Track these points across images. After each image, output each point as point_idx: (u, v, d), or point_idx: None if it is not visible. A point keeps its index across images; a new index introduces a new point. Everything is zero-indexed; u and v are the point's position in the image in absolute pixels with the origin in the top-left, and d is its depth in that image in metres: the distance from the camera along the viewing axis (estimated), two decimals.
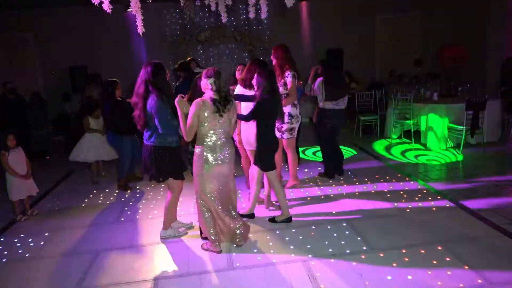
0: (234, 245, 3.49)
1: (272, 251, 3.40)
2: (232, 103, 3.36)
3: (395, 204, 4.27)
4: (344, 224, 3.84)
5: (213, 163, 3.30)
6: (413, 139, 6.87)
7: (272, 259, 3.27)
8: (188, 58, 7.05)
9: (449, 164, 5.71)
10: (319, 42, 9.91)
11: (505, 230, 3.52)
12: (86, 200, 5.06)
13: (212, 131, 3.27)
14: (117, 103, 5.11)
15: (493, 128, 6.61)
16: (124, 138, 5.19)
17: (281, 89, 4.32)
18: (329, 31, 9.96)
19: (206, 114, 3.20)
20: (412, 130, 6.85)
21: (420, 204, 4.24)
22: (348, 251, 3.32)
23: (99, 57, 9.38)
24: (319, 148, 6.68)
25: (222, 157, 3.32)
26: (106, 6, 3.75)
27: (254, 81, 3.78)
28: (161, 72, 3.46)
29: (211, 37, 9.82)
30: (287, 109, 4.43)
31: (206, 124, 3.24)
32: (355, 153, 6.54)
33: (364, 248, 3.36)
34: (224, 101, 3.26)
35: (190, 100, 3.37)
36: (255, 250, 3.43)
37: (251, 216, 4.05)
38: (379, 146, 6.87)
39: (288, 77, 4.38)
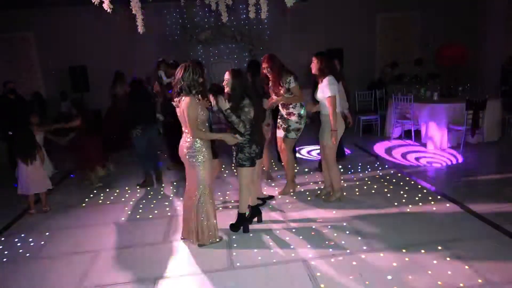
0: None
1: (272, 250, 3.40)
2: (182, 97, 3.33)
3: (395, 204, 4.28)
4: (344, 224, 3.84)
5: None
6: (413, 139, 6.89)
7: (272, 258, 3.27)
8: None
9: (449, 164, 5.72)
10: (319, 42, 9.89)
11: (505, 230, 3.52)
12: (86, 200, 5.06)
13: None
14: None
15: (493, 127, 6.61)
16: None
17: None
18: (329, 31, 9.95)
19: None
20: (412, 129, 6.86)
21: (420, 204, 4.24)
22: (348, 251, 3.32)
23: (99, 57, 9.37)
24: (314, 147, 6.68)
25: None
26: (107, 5, 3.75)
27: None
28: None
29: (211, 37, 9.82)
30: (297, 109, 4.44)
31: None
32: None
33: (364, 248, 3.36)
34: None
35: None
36: (256, 250, 3.43)
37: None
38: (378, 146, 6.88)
39: (291, 83, 4.33)
